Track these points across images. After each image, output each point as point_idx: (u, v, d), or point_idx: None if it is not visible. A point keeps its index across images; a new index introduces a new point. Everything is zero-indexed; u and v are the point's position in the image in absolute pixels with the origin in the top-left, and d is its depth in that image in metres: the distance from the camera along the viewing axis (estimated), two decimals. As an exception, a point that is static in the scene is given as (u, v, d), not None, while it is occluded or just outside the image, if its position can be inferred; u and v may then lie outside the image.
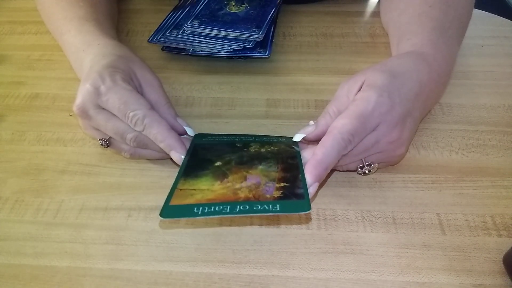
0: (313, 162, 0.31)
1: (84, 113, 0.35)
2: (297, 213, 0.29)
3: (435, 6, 0.40)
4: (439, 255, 0.32)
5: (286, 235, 0.33)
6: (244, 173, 0.32)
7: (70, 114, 0.44)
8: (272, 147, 0.36)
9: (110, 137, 0.36)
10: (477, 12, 0.54)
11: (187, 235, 0.33)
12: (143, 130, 0.34)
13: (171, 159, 0.35)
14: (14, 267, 0.32)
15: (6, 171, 0.38)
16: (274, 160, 0.34)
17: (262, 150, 0.35)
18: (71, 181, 0.37)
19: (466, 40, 0.51)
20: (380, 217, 0.34)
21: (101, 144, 0.36)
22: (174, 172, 0.37)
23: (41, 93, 0.46)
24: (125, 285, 0.31)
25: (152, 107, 0.36)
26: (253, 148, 0.36)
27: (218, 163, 0.34)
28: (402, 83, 0.33)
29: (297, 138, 0.35)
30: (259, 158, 0.34)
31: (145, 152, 0.37)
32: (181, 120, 0.38)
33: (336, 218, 0.34)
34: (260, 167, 0.33)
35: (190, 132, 0.38)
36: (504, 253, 0.31)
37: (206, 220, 0.34)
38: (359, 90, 0.34)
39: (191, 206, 0.29)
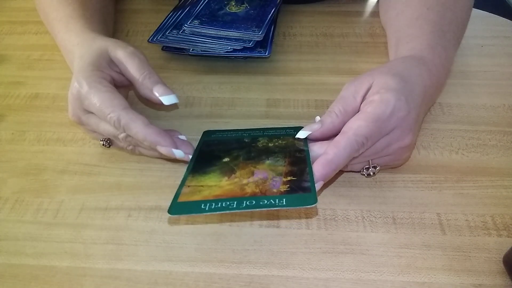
0: (323, 160, 0.30)
1: (78, 120, 0.36)
2: (304, 206, 0.29)
3: (433, 9, 0.40)
4: (439, 255, 0.32)
5: (286, 235, 0.33)
6: (252, 168, 0.32)
7: (70, 114, 0.44)
8: (280, 141, 0.36)
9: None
10: (477, 12, 0.54)
11: (187, 235, 0.33)
12: (125, 131, 0.34)
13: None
14: (14, 267, 0.32)
15: (6, 171, 0.38)
16: (281, 154, 0.34)
17: (270, 144, 0.35)
18: (71, 181, 0.37)
19: (466, 40, 0.51)
20: (380, 217, 0.34)
21: (103, 145, 0.36)
22: (174, 172, 0.37)
23: (41, 93, 0.46)
24: (125, 285, 0.31)
25: (134, 84, 0.37)
26: (261, 143, 0.36)
27: (226, 159, 0.34)
28: (411, 88, 0.33)
29: (302, 135, 0.34)
30: (266, 153, 0.34)
31: (143, 149, 0.36)
32: (159, 88, 0.36)
33: (336, 218, 0.34)
34: (268, 161, 0.33)
35: (167, 101, 0.36)
36: (504, 253, 0.31)
37: (206, 219, 0.34)
38: (367, 91, 0.34)
39: (199, 203, 0.29)
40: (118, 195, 0.36)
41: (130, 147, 0.36)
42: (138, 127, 0.33)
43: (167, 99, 0.36)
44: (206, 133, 0.39)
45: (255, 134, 0.38)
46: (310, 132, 0.34)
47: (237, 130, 0.39)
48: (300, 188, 0.29)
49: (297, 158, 0.33)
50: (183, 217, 0.34)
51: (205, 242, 0.33)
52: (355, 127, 0.31)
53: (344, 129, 0.32)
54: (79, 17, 0.42)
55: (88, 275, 0.31)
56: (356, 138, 0.30)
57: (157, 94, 0.36)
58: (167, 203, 0.35)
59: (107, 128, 0.35)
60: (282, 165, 0.32)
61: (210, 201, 0.29)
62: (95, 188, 0.37)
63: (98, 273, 0.31)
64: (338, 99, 0.35)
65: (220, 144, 0.37)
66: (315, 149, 0.33)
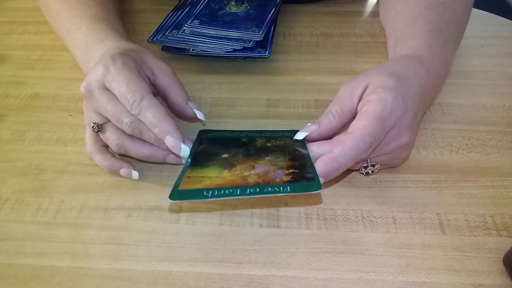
0: (326, 158, 0.30)
1: (88, 92, 0.35)
2: (308, 192, 0.28)
3: (431, 8, 0.40)
4: (439, 255, 0.32)
5: (286, 235, 0.33)
6: (252, 163, 0.32)
7: (70, 114, 0.44)
8: (278, 141, 0.36)
9: (104, 123, 0.35)
10: (477, 12, 0.54)
11: (187, 235, 0.33)
12: (138, 114, 0.33)
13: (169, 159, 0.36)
14: (14, 267, 0.32)
15: (6, 171, 0.38)
16: (281, 152, 0.34)
17: (268, 144, 0.35)
18: (71, 181, 0.37)
19: (466, 40, 0.51)
20: (380, 217, 0.34)
21: (92, 128, 0.35)
22: (174, 173, 0.37)
23: (41, 93, 0.46)
24: (125, 285, 0.31)
25: (165, 91, 0.37)
26: (259, 143, 0.36)
27: (225, 155, 0.34)
28: (408, 87, 0.33)
29: (299, 136, 0.34)
30: (266, 151, 0.34)
31: (131, 146, 0.35)
32: (192, 104, 0.38)
33: (336, 218, 0.34)
34: (268, 158, 0.33)
35: (200, 116, 0.38)
36: (504, 253, 0.31)
37: (207, 218, 0.34)
38: (364, 91, 0.34)
39: (201, 190, 0.29)
40: (118, 195, 0.36)
41: (117, 141, 0.35)
42: (157, 112, 0.33)
43: (200, 114, 0.38)
44: (202, 132, 0.39)
45: (252, 135, 0.38)
46: (307, 133, 0.34)
47: (234, 131, 0.39)
48: (303, 178, 0.29)
49: (297, 156, 0.33)
50: (183, 216, 0.34)
51: (205, 242, 0.33)
52: (361, 126, 0.31)
53: (349, 129, 0.31)
54: (104, 19, 0.43)
55: (88, 275, 0.31)
56: (363, 137, 0.30)
57: (192, 106, 0.38)
58: (167, 203, 0.35)
59: (116, 107, 0.34)
60: (282, 161, 0.32)
61: (213, 189, 0.28)
62: (95, 188, 0.37)
63: (98, 273, 0.31)
64: (335, 99, 0.35)
65: (217, 142, 0.36)
66: (314, 148, 0.33)
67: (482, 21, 0.54)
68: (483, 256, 0.31)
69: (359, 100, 0.34)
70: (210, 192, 0.28)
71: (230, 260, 0.32)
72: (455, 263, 0.31)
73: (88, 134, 0.36)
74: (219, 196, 0.28)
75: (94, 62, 0.38)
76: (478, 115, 0.42)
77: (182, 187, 0.30)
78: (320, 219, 0.34)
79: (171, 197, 0.28)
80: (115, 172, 0.36)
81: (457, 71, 0.47)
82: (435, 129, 0.41)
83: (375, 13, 0.56)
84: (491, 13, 0.56)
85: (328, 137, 0.34)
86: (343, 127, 0.35)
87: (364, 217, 0.34)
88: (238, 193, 0.28)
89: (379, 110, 0.31)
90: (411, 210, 0.34)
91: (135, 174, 0.36)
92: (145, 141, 0.35)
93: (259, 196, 0.28)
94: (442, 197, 0.35)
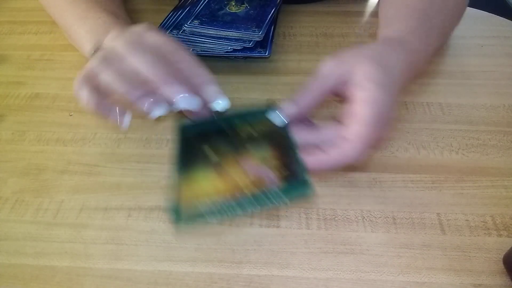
0: (320, 158, 0.31)
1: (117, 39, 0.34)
2: (303, 196, 0.29)
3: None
4: (439, 255, 0.32)
5: (286, 235, 0.33)
6: (241, 163, 0.32)
7: (70, 114, 0.44)
8: (261, 127, 0.35)
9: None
10: (477, 12, 0.54)
11: (187, 235, 0.33)
12: (173, 55, 0.34)
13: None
14: (14, 267, 0.32)
15: (6, 171, 0.38)
16: (265, 143, 0.34)
17: (251, 132, 0.35)
18: (71, 181, 0.37)
19: (466, 40, 0.51)
20: (380, 217, 0.34)
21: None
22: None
23: (41, 93, 0.46)
24: (125, 285, 0.31)
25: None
26: (243, 132, 0.35)
27: (211, 155, 0.33)
28: (390, 78, 0.33)
29: (278, 120, 0.34)
30: (251, 143, 0.34)
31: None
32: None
33: (336, 218, 0.34)
34: (255, 153, 0.33)
35: (221, 105, 0.35)
36: (504, 253, 0.31)
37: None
38: (346, 74, 0.33)
39: (202, 214, 0.29)
40: (118, 195, 0.36)
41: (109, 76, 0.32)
42: (193, 62, 0.35)
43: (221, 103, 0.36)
44: (181, 127, 0.37)
45: (232, 120, 0.36)
46: (288, 119, 0.34)
47: (212, 118, 0.36)
48: (295, 180, 0.30)
49: (283, 147, 0.33)
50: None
51: (205, 242, 0.33)
52: (360, 134, 0.30)
53: (349, 135, 0.31)
54: (111, 13, 0.42)
55: (88, 275, 0.31)
56: (363, 146, 0.30)
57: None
58: (167, 203, 0.35)
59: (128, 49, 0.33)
60: (270, 156, 0.32)
61: (213, 211, 0.29)
62: (95, 188, 0.37)
63: (98, 273, 0.31)
64: (315, 78, 0.34)
65: (199, 137, 0.35)
66: (301, 136, 0.33)
67: (482, 21, 0.54)
68: (483, 256, 0.31)
69: (340, 81, 0.33)
70: (212, 215, 0.29)
71: (230, 260, 0.32)
72: (455, 263, 0.31)
73: (84, 70, 0.33)
74: (221, 217, 0.29)
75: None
76: (478, 115, 0.42)
77: (181, 204, 0.30)
78: (320, 219, 0.34)
79: (175, 223, 0.29)
80: (101, 115, 0.33)
81: (457, 71, 0.47)
82: (435, 129, 0.41)
83: (375, 13, 0.56)
84: (491, 13, 0.56)
85: (305, 115, 0.35)
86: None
87: (364, 217, 0.34)
88: (239, 211, 0.29)
89: (373, 113, 0.31)
90: (411, 210, 0.34)
91: (126, 119, 0.34)
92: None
93: (258, 210, 0.28)
94: (442, 197, 0.35)
